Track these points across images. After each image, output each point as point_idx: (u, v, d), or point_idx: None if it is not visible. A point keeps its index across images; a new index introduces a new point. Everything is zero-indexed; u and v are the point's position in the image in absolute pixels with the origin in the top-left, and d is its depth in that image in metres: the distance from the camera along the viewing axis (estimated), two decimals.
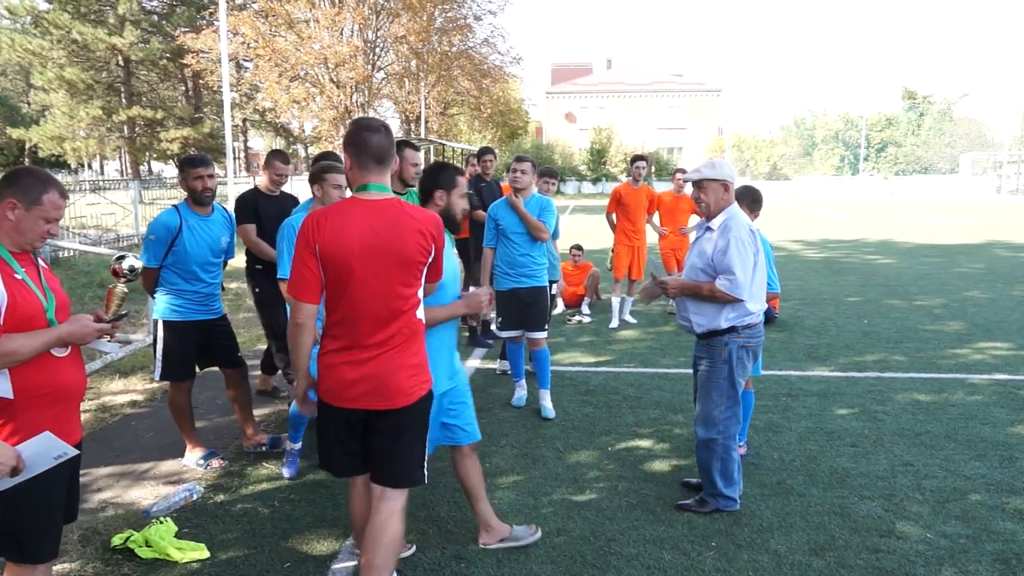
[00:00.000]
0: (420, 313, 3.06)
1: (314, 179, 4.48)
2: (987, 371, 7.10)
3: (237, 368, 5.05)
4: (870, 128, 73.15)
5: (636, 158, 9.24)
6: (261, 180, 5.98)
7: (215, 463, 4.86)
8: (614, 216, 9.49)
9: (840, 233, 22.45)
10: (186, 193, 4.77)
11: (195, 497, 4.39)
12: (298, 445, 4.79)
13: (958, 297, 11.20)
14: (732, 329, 4.10)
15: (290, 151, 50.17)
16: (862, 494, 4.46)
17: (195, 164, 4.70)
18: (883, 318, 9.64)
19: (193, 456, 4.92)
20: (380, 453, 3.07)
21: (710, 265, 4.09)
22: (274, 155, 5.96)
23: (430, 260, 3.01)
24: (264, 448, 5.13)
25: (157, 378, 4.84)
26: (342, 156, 3.14)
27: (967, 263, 15.22)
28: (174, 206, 4.76)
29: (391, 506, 3.08)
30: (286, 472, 4.71)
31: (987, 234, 21.59)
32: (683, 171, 9.91)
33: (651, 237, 10.00)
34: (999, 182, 51.52)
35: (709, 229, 4.19)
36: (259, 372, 6.40)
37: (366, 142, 2.94)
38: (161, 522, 3.89)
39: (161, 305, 4.72)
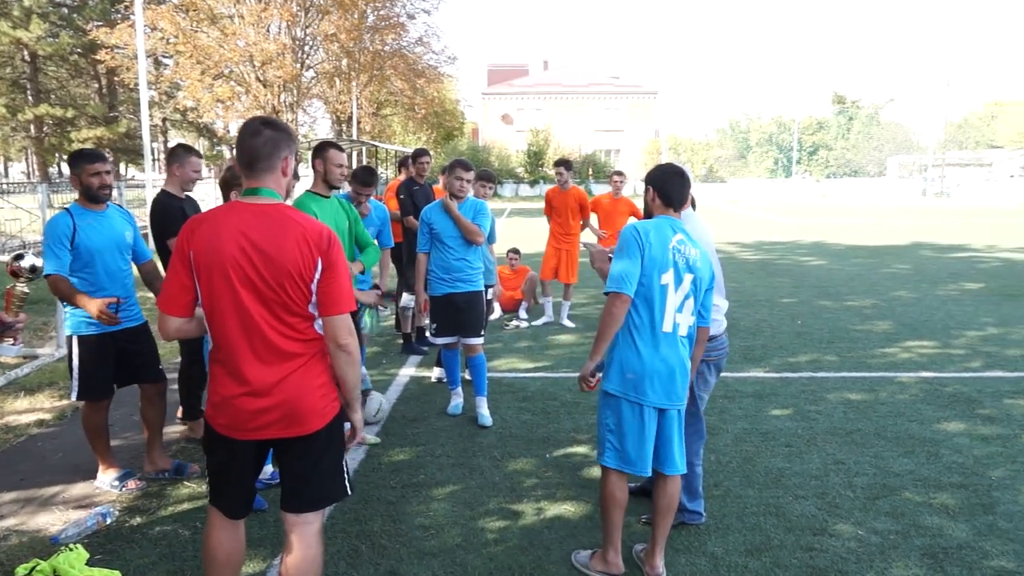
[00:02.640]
0: (319, 328, 2.82)
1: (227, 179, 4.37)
2: (914, 369, 7.39)
3: (156, 383, 4.81)
4: (802, 132, 75.47)
5: (558, 163, 9.52)
6: (170, 180, 5.26)
7: (131, 484, 4.67)
8: (549, 218, 9.73)
9: (774, 235, 23.08)
10: (79, 192, 4.47)
11: (109, 521, 4.20)
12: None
13: (886, 297, 11.63)
14: None
15: (214, 152, 48.92)
16: (796, 493, 4.59)
17: (91, 159, 4.43)
18: (816, 319, 9.94)
19: (107, 477, 4.71)
20: (296, 479, 2.87)
21: None
22: (186, 151, 5.24)
23: (317, 276, 2.72)
24: (167, 475, 4.83)
25: (73, 398, 4.61)
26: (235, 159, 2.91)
27: (895, 264, 15.82)
28: (64, 209, 4.53)
29: (310, 531, 2.90)
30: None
31: (914, 236, 22.47)
32: (620, 173, 10.08)
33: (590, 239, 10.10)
34: (924, 185, 53.75)
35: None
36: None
37: (242, 145, 2.78)
38: (71, 549, 3.70)
39: (73, 319, 4.48)
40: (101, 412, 4.69)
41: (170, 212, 5.04)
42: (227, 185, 4.74)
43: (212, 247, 2.67)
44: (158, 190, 5.52)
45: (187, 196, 5.33)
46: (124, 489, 4.64)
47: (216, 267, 2.67)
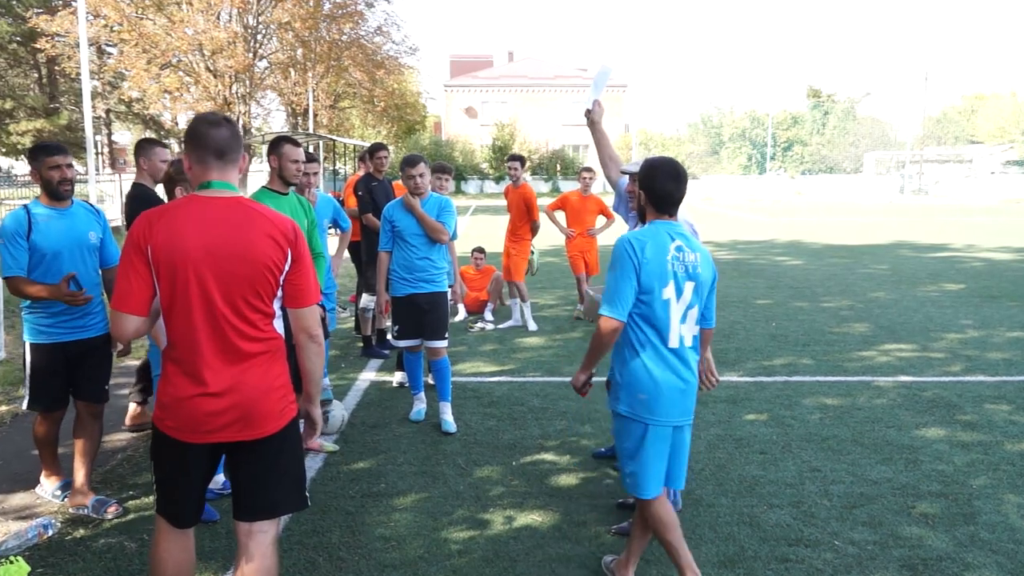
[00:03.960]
0: (279, 327, 2.89)
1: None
2: (892, 373, 7.52)
3: (97, 404, 4.60)
4: (776, 126, 76.46)
5: (510, 157, 9.64)
6: (140, 175, 5.21)
7: (111, 510, 4.47)
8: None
9: (749, 234, 23.35)
10: (40, 187, 4.38)
11: (51, 533, 4.16)
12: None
13: (864, 298, 11.82)
14: None
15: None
16: (771, 502, 4.64)
17: (50, 152, 4.33)
18: (791, 320, 10.07)
19: (50, 486, 4.63)
20: (250, 484, 2.87)
21: None
22: (153, 143, 5.28)
23: (286, 269, 2.81)
24: (85, 511, 4.44)
25: (25, 407, 4.49)
26: (185, 155, 2.92)
27: (872, 264, 16.09)
28: (23, 206, 4.43)
29: (264, 540, 2.89)
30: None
31: (891, 235, 22.88)
32: (590, 169, 10.12)
33: (559, 238, 10.18)
34: (902, 182, 54.74)
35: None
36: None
37: (206, 136, 2.80)
38: (11, 562, 3.67)
39: (27, 325, 4.38)
40: (53, 424, 4.57)
41: (151, 202, 4.86)
42: (172, 182, 4.64)
43: (174, 243, 2.67)
44: (108, 185, 5.54)
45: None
46: (66, 499, 4.54)
47: (179, 263, 2.67)
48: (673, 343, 3.46)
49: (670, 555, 3.60)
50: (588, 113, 4.58)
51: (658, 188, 3.51)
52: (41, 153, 4.35)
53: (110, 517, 4.37)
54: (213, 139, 2.80)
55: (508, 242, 9.84)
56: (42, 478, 4.69)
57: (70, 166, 4.39)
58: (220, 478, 4.64)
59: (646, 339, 3.45)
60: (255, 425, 2.78)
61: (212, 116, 2.89)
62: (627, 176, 4.40)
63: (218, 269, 2.69)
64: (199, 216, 2.72)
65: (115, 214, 19.33)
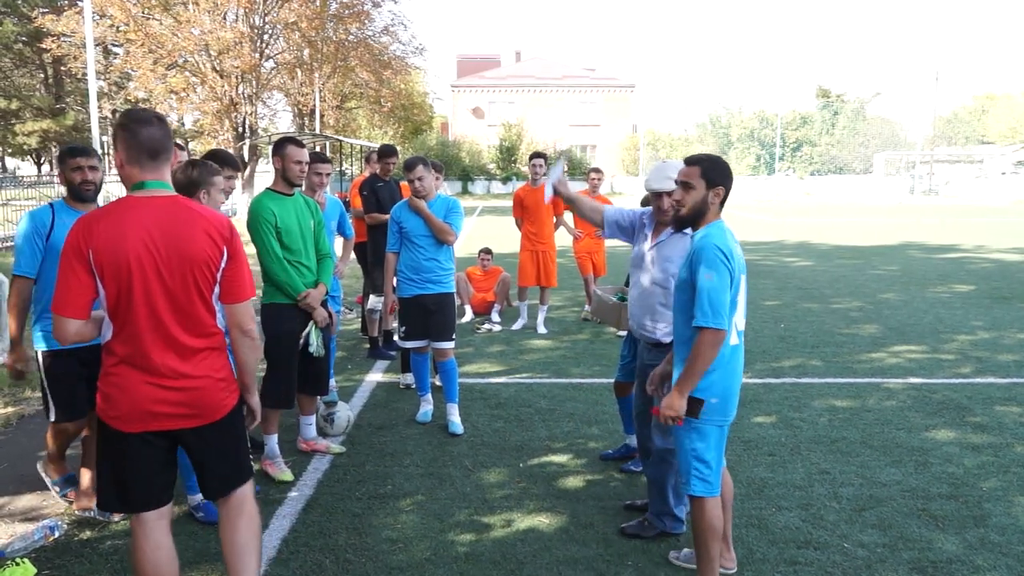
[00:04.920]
0: (221, 322, 3.02)
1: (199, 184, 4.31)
2: (902, 375, 7.50)
3: None
4: (785, 127, 76.31)
5: (534, 155, 9.23)
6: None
7: (73, 494, 4.55)
8: (520, 221, 9.58)
9: (757, 235, 23.30)
10: (64, 188, 4.40)
11: (57, 535, 4.16)
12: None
13: (873, 300, 11.79)
14: None
15: None
16: (779, 504, 4.63)
17: (74, 154, 4.35)
18: (800, 322, 10.05)
19: (51, 478, 4.64)
20: (209, 461, 3.08)
21: None
22: None
23: (223, 266, 2.94)
24: (91, 513, 4.46)
25: (52, 419, 4.36)
26: (116, 153, 2.94)
27: (882, 265, 16.05)
28: (48, 203, 4.43)
29: (250, 509, 3.17)
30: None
31: (901, 235, 22.82)
32: (598, 170, 10.06)
33: (566, 240, 10.17)
34: (912, 182, 54.58)
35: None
36: None
37: (138, 135, 2.85)
38: (18, 563, 3.69)
39: (38, 330, 4.30)
40: (74, 433, 4.50)
41: None
42: (194, 185, 4.49)
43: (116, 244, 2.77)
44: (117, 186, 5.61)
45: None
46: (65, 496, 4.56)
47: (123, 264, 2.78)
48: (735, 340, 3.51)
49: (706, 566, 3.59)
50: (555, 191, 4.72)
51: (730, 185, 3.57)
52: (66, 155, 4.42)
53: (116, 520, 4.38)
54: (146, 139, 2.86)
55: (532, 245, 9.41)
56: (44, 467, 4.69)
57: (94, 168, 4.38)
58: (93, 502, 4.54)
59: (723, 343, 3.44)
60: (202, 414, 2.96)
61: (143, 114, 2.93)
62: (653, 195, 4.37)
63: (161, 267, 2.81)
64: (139, 217, 2.81)
65: None
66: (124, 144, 2.86)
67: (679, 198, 3.64)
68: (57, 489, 4.62)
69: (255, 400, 3.26)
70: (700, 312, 3.32)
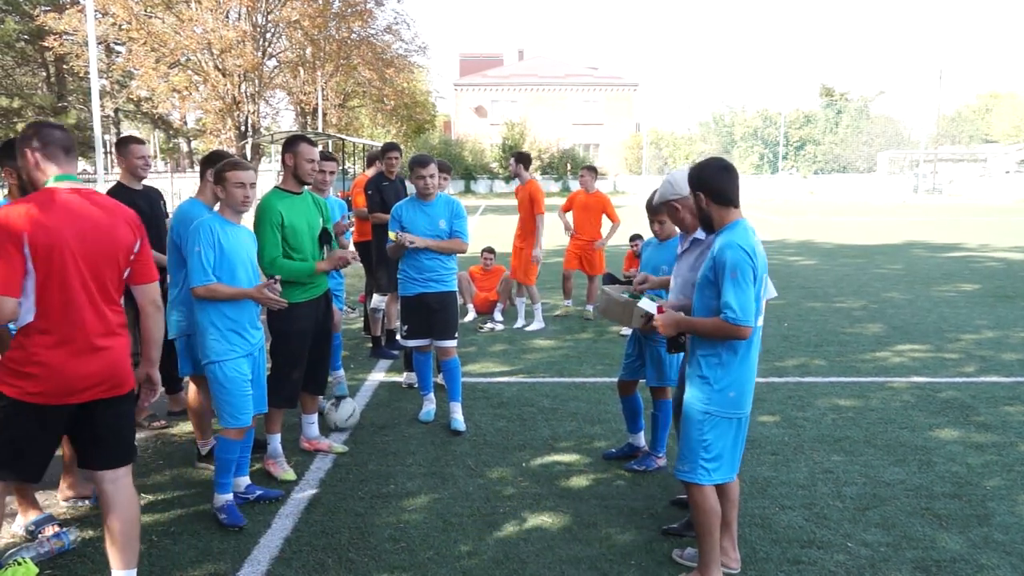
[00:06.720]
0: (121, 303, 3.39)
1: (217, 179, 4.34)
2: (906, 374, 7.49)
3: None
4: (788, 126, 76.13)
5: (513, 155, 9.72)
6: (122, 174, 5.71)
7: (48, 531, 4.06)
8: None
9: (761, 234, 22.90)
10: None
11: (67, 544, 4.01)
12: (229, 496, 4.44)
13: (877, 299, 11.78)
14: None
15: (171, 145, 48.32)
16: (783, 504, 4.63)
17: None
18: (803, 321, 10.05)
19: (25, 520, 4.19)
20: (108, 435, 3.34)
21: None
22: (128, 140, 5.70)
23: (136, 251, 3.33)
24: (89, 501, 4.52)
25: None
26: (27, 155, 3.25)
27: (886, 264, 16.03)
28: None
29: (129, 483, 3.41)
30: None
31: (905, 234, 22.79)
32: (590, 168, 10.38)
33: (565, 239, 10.23)
34: (916, 181, 54.46)
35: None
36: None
37: (52, 134, 3.25)
38: (20, 563, 3.68)
39: None
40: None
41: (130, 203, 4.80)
42: (217, 180, 4.47)
43: (50, 230, 3.08)
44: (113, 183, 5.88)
45: (145, 187, 5.75)
46: (40, 537, 4.05)
47: (55, 248, 3.08)
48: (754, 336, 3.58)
49: (706, 551, 3.67)
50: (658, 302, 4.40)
51: (716, 184, 3.61)
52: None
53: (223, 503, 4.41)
54: (59, 138, 3.27)
55: (516, 241, 9.79)
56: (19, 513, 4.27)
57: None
58: (243, 481, 4.63)
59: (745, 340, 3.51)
60: (120, 384, 3.31)
61: (50, 121, 3.43)
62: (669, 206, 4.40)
63: (89, 252, 3.17)
64: (66, 206, 3.16)
65: None
66: (40, 143, 3.22)
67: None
68: (32, 528, 4.15)
69: (156, 375, 3.56)
70: (728, 310, 3.40)
